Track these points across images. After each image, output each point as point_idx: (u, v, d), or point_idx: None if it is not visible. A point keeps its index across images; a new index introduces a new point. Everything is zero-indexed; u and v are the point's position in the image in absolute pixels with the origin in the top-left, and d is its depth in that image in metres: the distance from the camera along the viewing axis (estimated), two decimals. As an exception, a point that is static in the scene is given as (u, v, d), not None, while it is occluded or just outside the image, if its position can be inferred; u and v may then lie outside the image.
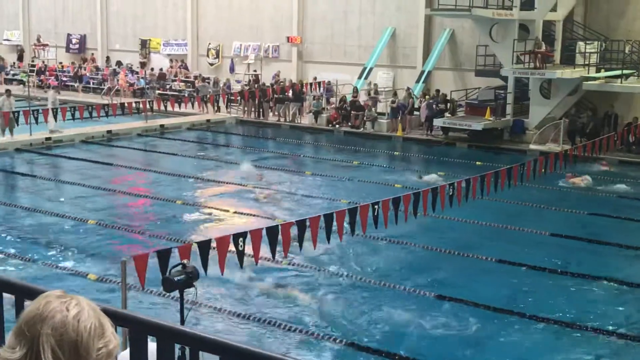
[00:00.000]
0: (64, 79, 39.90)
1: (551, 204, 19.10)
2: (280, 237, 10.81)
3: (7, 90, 27.07)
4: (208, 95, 31.77)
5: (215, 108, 32.31)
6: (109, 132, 28.04)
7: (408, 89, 30.88)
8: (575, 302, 12.82)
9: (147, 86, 35.87)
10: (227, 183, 20.77)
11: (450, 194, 13.96)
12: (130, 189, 20.23)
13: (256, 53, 37.10)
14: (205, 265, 9.63)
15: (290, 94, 31.82)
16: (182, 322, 7.23)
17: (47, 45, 43.47)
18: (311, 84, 32.40)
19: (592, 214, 18.18)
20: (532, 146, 26.35)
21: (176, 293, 7.49)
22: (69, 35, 43.96)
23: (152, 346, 2.74)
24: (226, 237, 10.35)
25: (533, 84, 28.07)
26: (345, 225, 12.17)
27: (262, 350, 2.50)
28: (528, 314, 11.97)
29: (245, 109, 32.77)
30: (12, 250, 14.53)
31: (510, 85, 28.45)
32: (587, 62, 27.38)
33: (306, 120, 31.37)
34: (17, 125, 25.07)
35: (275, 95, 31.62)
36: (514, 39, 27.46)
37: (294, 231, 11.10)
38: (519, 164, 16.51)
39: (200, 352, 2.66)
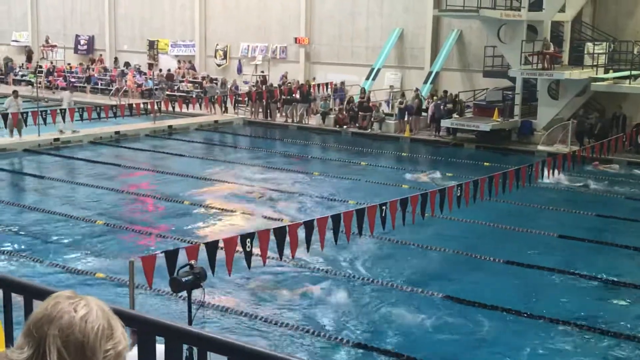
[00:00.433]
0: (72, 79, 40.02)
1: (559, 205, 19.06)
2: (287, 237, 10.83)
3: (14, 91, 27.16)
4: (216, 96, 31.83)
5: (223, 109, 32.38)
6: (117, 132, 28.10)
7: (416, 89, 30.86)
8: (585, 303, 12.77)
9: (155, 87, 35.96)
10: (234, 183, 20.78)
11: (458, 195, 13.95)
12: (138, 189, 20.27)
13: (264, 54, 37.13)
14: (212, 265, 9.64)
15: (297, 94, 31.84)
16: (190, 322, 7.24)
17: (55, 46, 43.65)
18: (319, 85, 32.43)
19: (600, 215, 18.13)
20: (540, 147, 26.29)
21: (184, 293, 7.50)
22: (77, 36, 44.11)
23: (160, 348, 2.74)
24: (234, 238, 10.37)
25: (541, 84, 28.01)
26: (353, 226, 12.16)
27: (271, 350, 2.50)
28: (537, 314, 11.94)
29: (253, 109, 32.80)
30: (20, 251, 14.56)
31: (518, 86, 28.39)
32: (595, 63, 27.31)
33: (313, 121, 31.38)
34: (26, 126, 25.15)
35: (283, 96, 31.64)
36: (522, 40, 27.40)
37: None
38: (527, 165, 16.48)
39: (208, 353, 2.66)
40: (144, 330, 2.71)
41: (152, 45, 41.20)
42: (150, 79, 37.86)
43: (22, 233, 15.96)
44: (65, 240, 15.47)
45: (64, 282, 12.72)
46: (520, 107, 28.32)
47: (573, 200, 19.88)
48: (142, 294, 11.63)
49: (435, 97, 29.84)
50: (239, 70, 38.05)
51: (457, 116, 28.92)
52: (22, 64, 43.97)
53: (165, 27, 40.85)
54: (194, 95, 33.78)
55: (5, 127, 25.21)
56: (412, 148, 27.70)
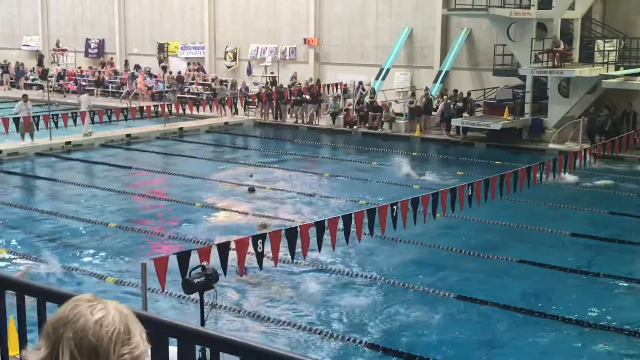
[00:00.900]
0: (83, 83, 40.17)
1: (571, 204, 18.98)
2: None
3: (24, 95, 27.31)
4: (226, 98, 31.88)
5: (233, 110, 32.44)
6: (128, 135, 28.20)
7: (426, 89, 30.82)
8: (597, 302, 12.70)
9: (166, 90, 36.05)
10: (245, 185, 20.78)
11: (470, 194, 13.91)
12: (150, 191, 20.33)
13: (273, 55, 37.16)
14: (224, 267, 9.66)
15: (307, 95, 31.84)
16: (203, 323, 7.25)
17: (66, 50, 43.83)
18: (328, 86, 32.43)
19: (612, 212, 18.05)
20: (551, 145, 26.20)
21: (196, 295, 7.51)
22: (87, 40, 44.27)
23: (172, 350, 2.75)
24: (245, 239, 10.38)
25: (551, 82, 27.91)
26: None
27: (283, 350, 2.50)
28: (550, 314, 11.89)
29: (263, 111, 32.83)
30: (32, 253, 14.62)
31: (528, 84, 28.30)
32: (605, 60, 27.17)
33: (324, 121, 31.37)
34: (37, 129, 25.27)
35: (293, 97, 31.65)
36: (532, 38, 27.30)
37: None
38: (538, 163, 16.41)
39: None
40: (156, 332, 2.72)
41: (161, 48, 41.31)
42: (160, 81, 37.96)
43: (34, 235, 16.03)
44: (77, 243, 15.52)
45: (76, 285, 12.77)
46: (531, 105, 28.23)
47: (582, 198, 19.81)
48: (154, 296, 11.65)
49: (445, 97, 29.78)
50: (249, 72, 38.09)
51: (468, 115, 28.85)
52: (33, 68, 44.18)
53: (175, 30, 40.95)
54: (204, 98, 33.86)
55: (17, 131, 25.37)
56: (423, 147, 27.64)
